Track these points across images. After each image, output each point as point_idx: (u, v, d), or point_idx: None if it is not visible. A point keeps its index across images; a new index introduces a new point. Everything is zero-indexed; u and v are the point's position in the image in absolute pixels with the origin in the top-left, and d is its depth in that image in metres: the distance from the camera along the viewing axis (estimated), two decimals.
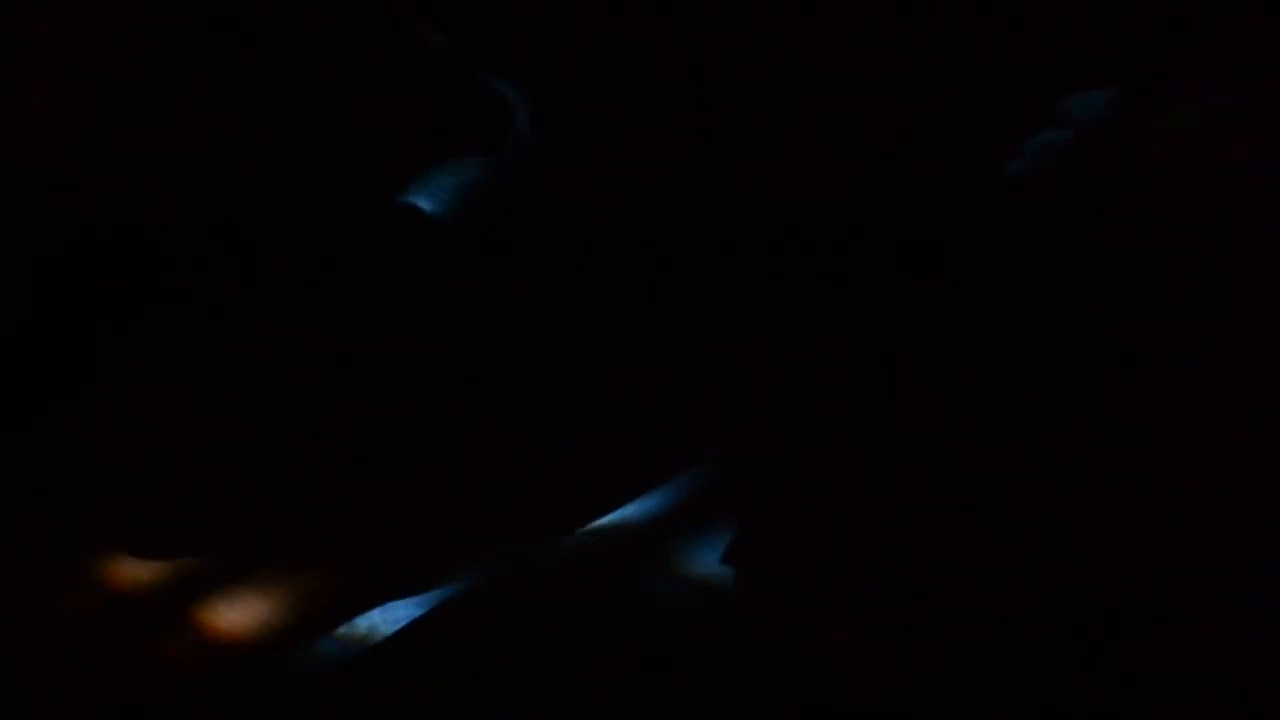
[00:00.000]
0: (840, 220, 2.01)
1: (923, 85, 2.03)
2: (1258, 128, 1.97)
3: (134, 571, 1.83)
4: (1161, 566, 1.77)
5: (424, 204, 2.04)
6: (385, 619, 1.77)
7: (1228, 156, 1.97)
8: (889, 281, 1.98)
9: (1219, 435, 1.85)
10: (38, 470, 1.92)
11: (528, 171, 2.07)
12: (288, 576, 1.82)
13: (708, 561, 1.82)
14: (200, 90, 2.06)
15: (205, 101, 2.06)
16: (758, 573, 1.80)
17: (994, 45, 2.02)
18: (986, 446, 1.85)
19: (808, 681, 1.70)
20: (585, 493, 1.88)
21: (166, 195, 2.05)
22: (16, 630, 1.77)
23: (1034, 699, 1.69)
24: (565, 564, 1.83)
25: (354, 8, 2.06)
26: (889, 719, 1.68)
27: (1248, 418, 1.86)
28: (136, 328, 2.01)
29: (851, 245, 2.00)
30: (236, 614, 1.78)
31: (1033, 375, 1.91)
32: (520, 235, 2.05)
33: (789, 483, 1.86)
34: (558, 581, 1.82)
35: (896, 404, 1.90)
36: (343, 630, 1.76)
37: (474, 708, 1.69)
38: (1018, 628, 1.74)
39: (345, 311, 2.01)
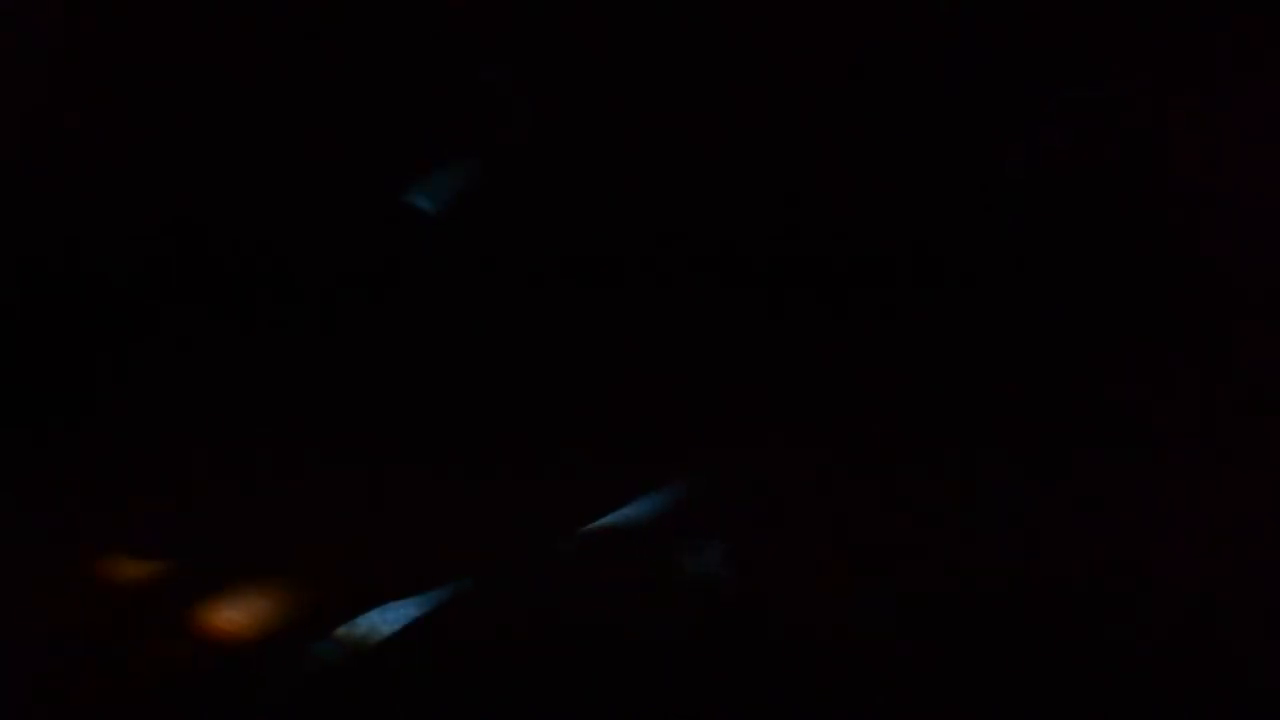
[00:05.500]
0: (839, 223, 2.01)
1: (921, 84, 2.03)
2: (1258, 128, 1.97)
3: (134, 571, 1.83)
4: (1167, 568, 1.77)
5: (424, 204, 2.04)
6: (385, 619, 1.77)
7: (1228, 156, 1.97)
8: (888, 284, 1.98)
9: (1221, 434, 1.85)
10: (38, 470, 1.92)
11: (527, 172, 2.07)
12: (288, 576, 1.82)
13: (708, 561, 1.82)
14: (199, 94, 2.06)
15: (205, 104, 2.06)
16: (757, 573, 1.80)
17: (993, 44, 2.02)
18: (985, 446, 1.85)
19: (807, 680, 1.70)
20: (585, 493, 1.88)
21: (164, 197, 2.05)
22: (16, 630, 1.77)
23: (1033, 697, 1.69)
24: (565, 564, 1.83)
25: (354, 8, 2.06)
26: (888, 716, 1.68)
27: (1248, 416, 1.86)
28: (137, 329, 2.01)
29: (851, 248, 2.00)
30: (236, 614, 1.78)
31: (1033, 376, 1.91)
32: (520, 236, 2.05)
33: (788, 484, 1.86)
34: (557, 581, 1.82)
35: (897, 405, 1.90)
36: (343, 630, 1.76)
37: (473, 707, 1.69)
38: (1018, 627, 1.74)
39: (345, 313, 2.01)
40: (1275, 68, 1.98)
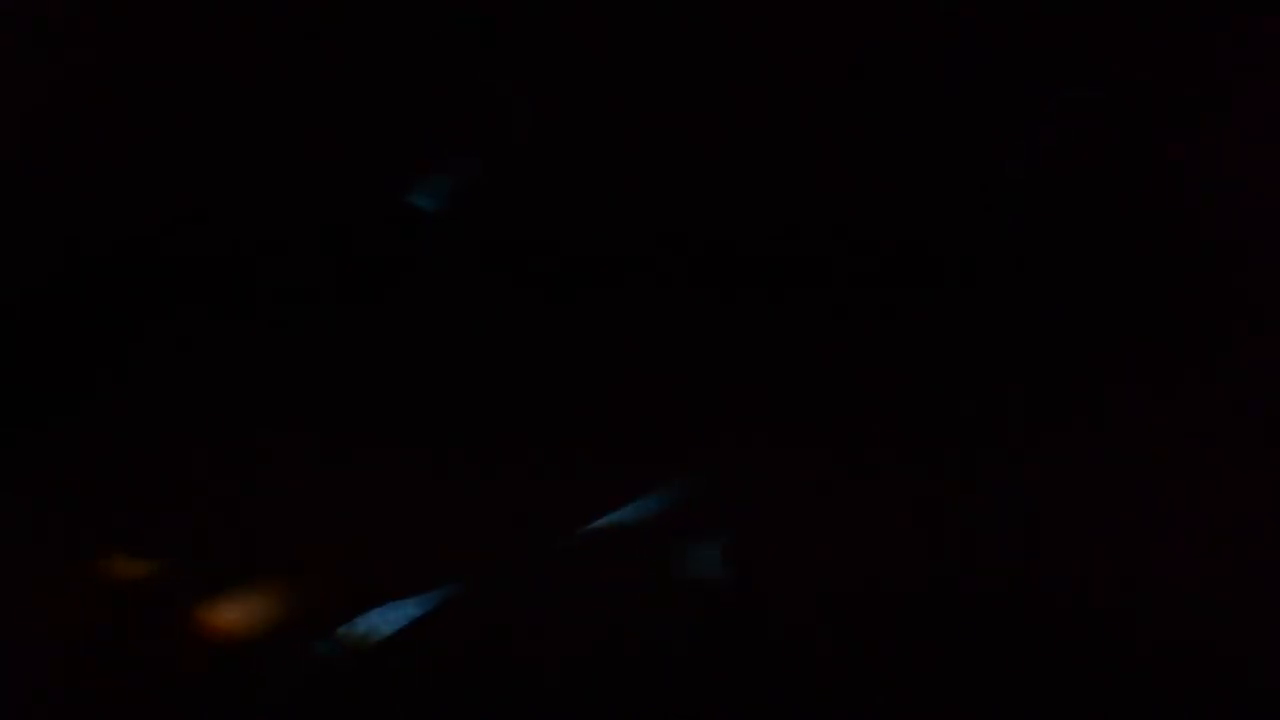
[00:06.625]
0: (839, 223, 2.01)
1: (921, 84, 2.03)
2: (1258, 128, 1.97)
3: (134, 571, 1.83)
4: (1167, 568, 1.77)
5: (424, 204, 2.04)
6: (385, 619, 1.77)
7: (1228, 156, 1.97)
8: (888, 284, 1.98)
9: (1221, 435, 1.85)
10: (38, 470, 1.92)
11: (527, 172, 2.07)
12: (288, 576, 1.82)
13: (707, 562, 1.82)
14: (199, 94, 2.06)
15: (205, 104, 2.06)
16: (757, 573, 1.80)
17: (993, 44, 2.02)
18: (985, 446, 1.85)
19: (807, 680, 1.70)
20: (585, 493, 1.88)
21: (164, 197, 2.05)
22: (15, 630, 1.77)
23: (1032, 697, 1.69)
24: (565, 564, 1.83)
25: (354, 7, 2.06)
26: (888, 716, 1.68)
27: (1248, 416, 1.86)
28: (136, 327, 2.01)
29: (848, 249, 2.00)
30: (236, 614, 1.78)
31: (1032, 378, 1.91)
32: (520, 236, 2.05)
33: (788, 484, 1.86)
34: (557, 582, 1.82)
35: (897, 405, 1.90)
36: (343, 630, 1.76)
37: (474, 708, 1.69)
38: (1018, 627, 1.74)
39: (344, 313, 2.01)
40: (1275, 67, 1.98)
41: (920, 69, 2.02)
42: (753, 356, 1.97)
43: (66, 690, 1.70)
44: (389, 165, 2.06)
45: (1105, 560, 1.77)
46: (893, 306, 1.96)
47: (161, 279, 2.03)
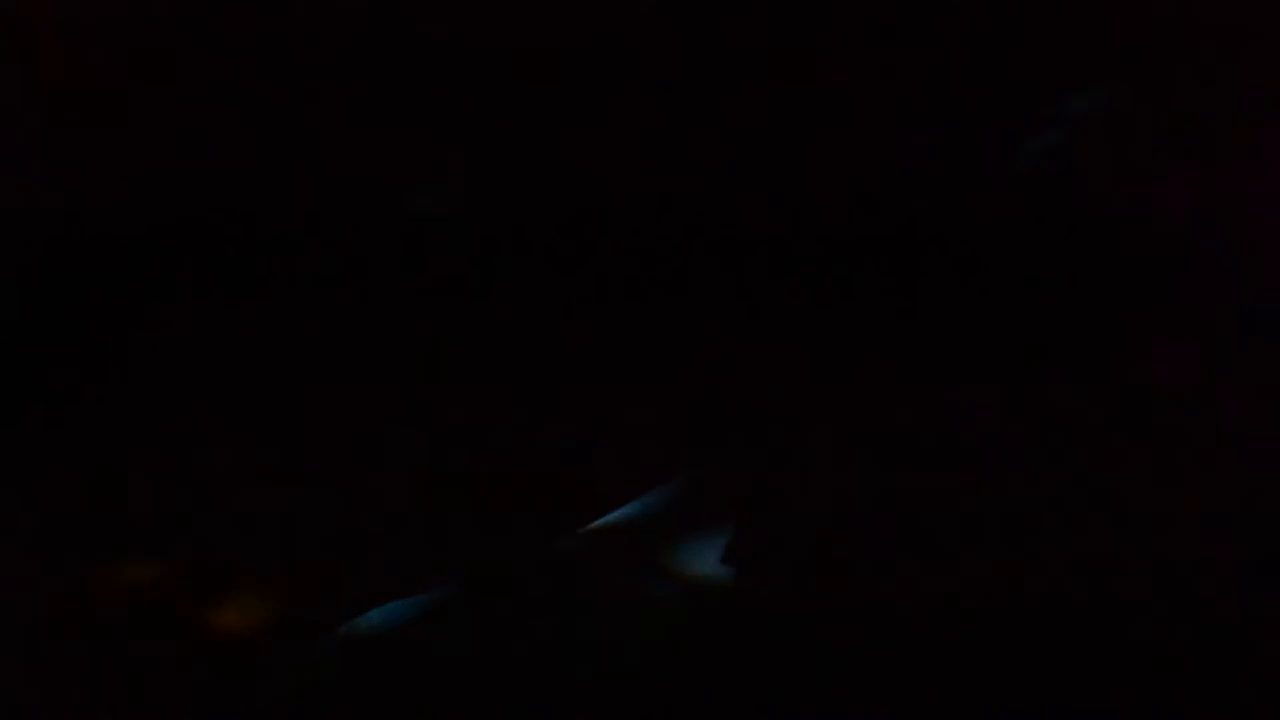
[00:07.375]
0: (838, 221, 2.01)
1: (922, 84, 2.03)
2: (1255, 128, 1.97)
3: (134, 571, 1.83)
4: (1159, 564, 1.77)
5: (424, 204, 2.04)
6: (385, 619, 1.77)
7: (1225, 157, 1.97)
8: (887, 283, 1.98)
9: (1210, 430, 1.85)
10: (38, 470, 1.92)
11: (528, 171, 2.07)
12: (288, 576, 1.82)
13: (708, 561, 1.82)
14: (201, 88, 2.06)
15: (205, 100, 2.06)
16: (757, 573, 1.80)
17: (993, 44, 2.02)
18: (983, 447, 1.85)
19: (807, 680, 1.70)
20: (585, 493, 1.88)
21: (164, 192, 2.05)
22: (16, 630, 1.77)
23: (1034, 697, 1.69)
24: (565, 564, 1.83)
25: (355, 7, 2.06)
26: (888, 716, 1.68)
27: (1240, 413, 1.86)
28: (136, 326, 2.01)
29: (849, 246, 2.00)
30: (236, 614, 1.78)
31: (1029, 375, 1.91)
32: (520, 236, 2.05)
33: (788, 482, 1.86)
34: (558, 581, 1.82)
35: (894, 404, 1.90)
36: (343, 630, 1.76)
37: (473, 707, 1.69)
38: (1019, 627, 1.74)
39: (345, 311, 2.01)
40: (1275, 68, 1.98)
41: (921, 69, 2.02)
42: (753, 356, 1.97)
43: (66, 690, 1.70)
44: (389, 165, 2.06)
45: (1107, 561, 1.77)
46: (892, 304, 1.96)
47: (161, 280, 2.03)
